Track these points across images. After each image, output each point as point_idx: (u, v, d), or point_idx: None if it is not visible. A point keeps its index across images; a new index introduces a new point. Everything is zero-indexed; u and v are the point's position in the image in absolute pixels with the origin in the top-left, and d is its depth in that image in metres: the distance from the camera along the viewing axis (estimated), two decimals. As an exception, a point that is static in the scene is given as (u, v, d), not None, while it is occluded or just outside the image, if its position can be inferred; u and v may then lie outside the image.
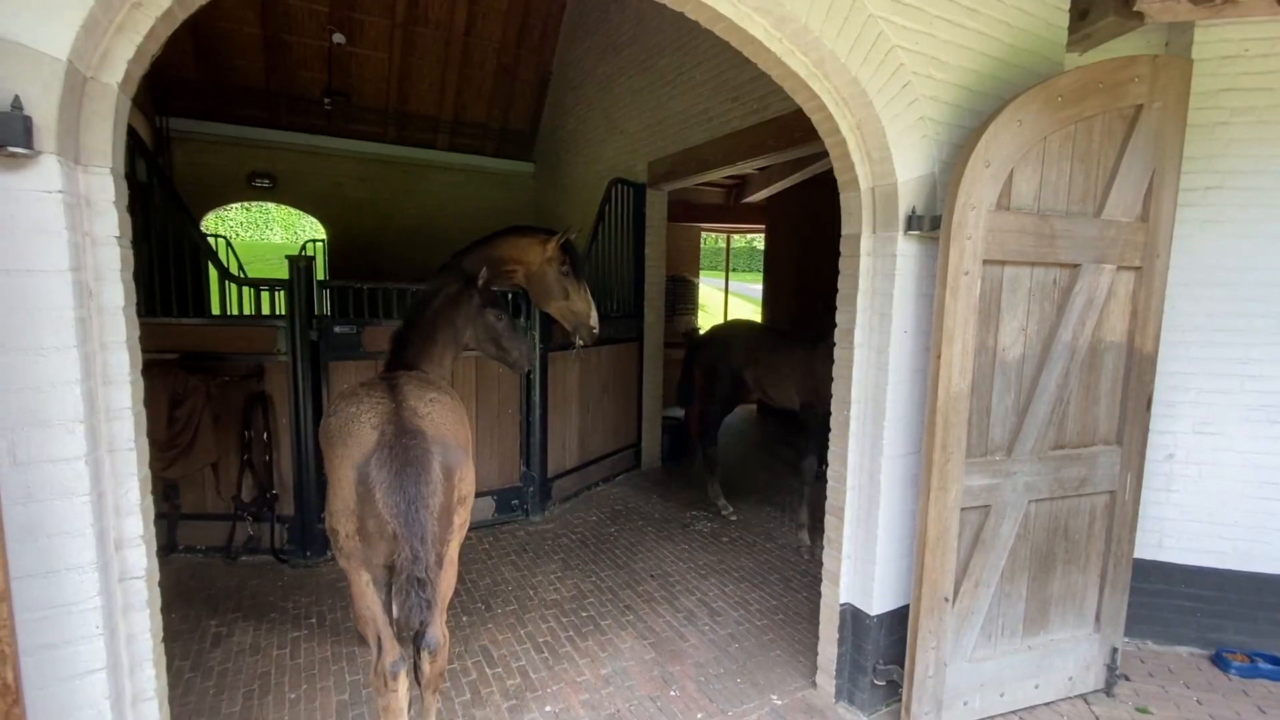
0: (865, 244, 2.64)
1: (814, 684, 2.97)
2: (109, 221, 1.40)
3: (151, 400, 3.76)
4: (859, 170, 2.57)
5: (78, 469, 1.34)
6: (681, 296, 10.62)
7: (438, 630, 2.10)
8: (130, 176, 4.03)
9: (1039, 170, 2.53)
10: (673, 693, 2.91)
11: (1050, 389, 2.67)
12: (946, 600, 2.63)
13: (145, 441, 1.55)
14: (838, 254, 2.78)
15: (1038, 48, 2.79)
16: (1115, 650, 2.95)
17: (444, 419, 2.25)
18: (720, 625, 3.49)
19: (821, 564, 3.78)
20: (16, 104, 1.19)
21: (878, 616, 2.74)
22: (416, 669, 2.14)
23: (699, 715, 2.77)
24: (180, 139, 7.30)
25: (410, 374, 2.52)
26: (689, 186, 6.88)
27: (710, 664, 3.14)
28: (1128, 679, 3.04)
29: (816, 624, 3.00)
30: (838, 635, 2.83)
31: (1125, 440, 2.84)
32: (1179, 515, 3.29)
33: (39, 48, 1.23)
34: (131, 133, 3.97)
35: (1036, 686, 2.87)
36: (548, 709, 2.78)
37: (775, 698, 2.90)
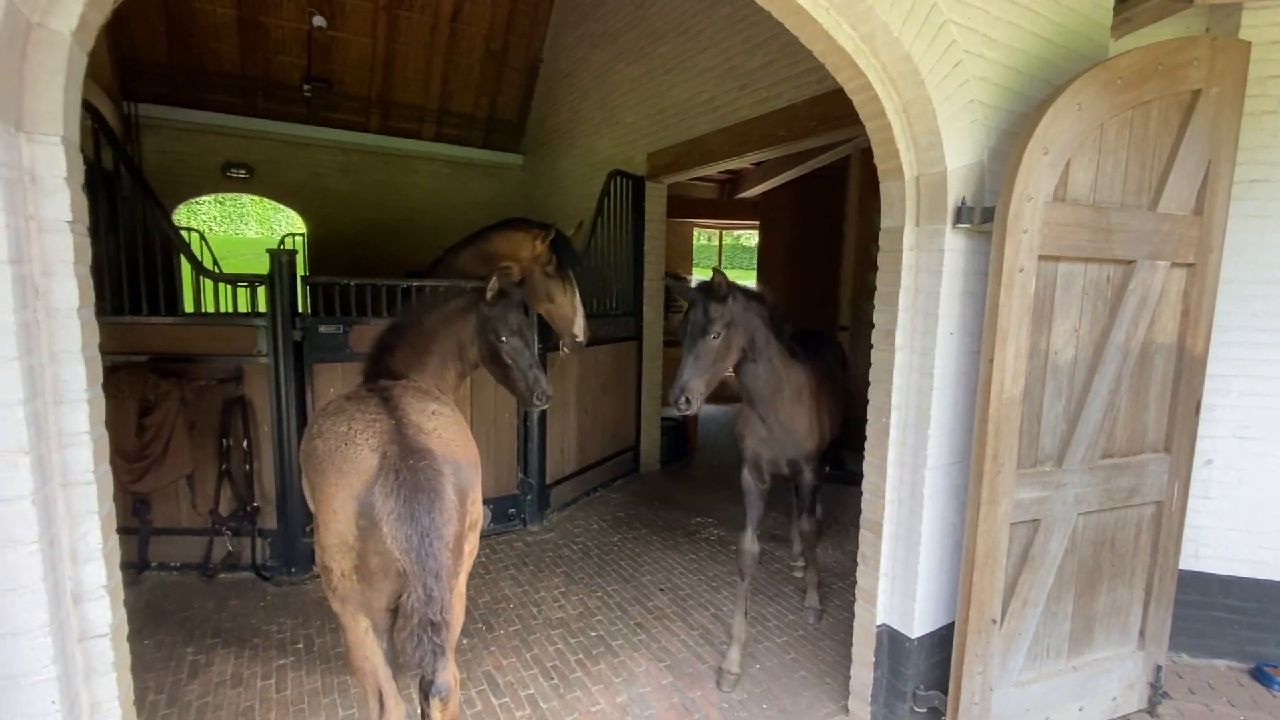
0: (908, 238, 2.44)
1: (846, 709, 2.78)
2: (59, 202, 1.14)
3: (119, 408, 3.49)
4: (904, 157, 2.37)
5: (23, 510, 1.07)
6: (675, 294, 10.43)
7: (449, 674, 1.85)
8: (96, 164, 3.70)
9: (1095, 159, 2.35)
10: (696, 722, 2.70)
11: (1102, 394, 2.50)
12: (994, 622, 2.45)
13: (108, 470, 1.29)
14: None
15: (1084, 29, 2.62)
16: (1159, 668, 2.81)
17: (451, 434, 2.00)
18: (739, 644, 3.28)
19: (811, 580, 3.49)
20: (-67, 49, 0.93)
21: (918, 639, 2.55)
22: (424, 717, 1.90)
23: (727, 748, 2.57)
24: (150, 126, 6.89)
25: (401, 384, 2.24)
26: (683, 181, 6.67)
27: (733, 690, 2.93)
28: (1169, 697, 2.90)
29: (840, 641, 2.82)
30: (873, 658, 2.65)
31: (1174, 447, 2.68)
32: (1217, 524, 3.16)
33: (-36, -21, 0.96)
34: (96, 115, 3.65)
35: (1080, 709, 2.71)
36: (563, 744, 2.55)
37: (806, 725, 2.71)
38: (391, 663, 1.81)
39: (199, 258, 4.58)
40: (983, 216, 2.33)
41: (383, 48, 7.51)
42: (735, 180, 9.87)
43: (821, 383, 3.18)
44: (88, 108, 3.55)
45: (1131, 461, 2.63)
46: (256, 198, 11.69)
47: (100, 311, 3.77)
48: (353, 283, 4.06)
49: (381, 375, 2.37)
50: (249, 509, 3.81)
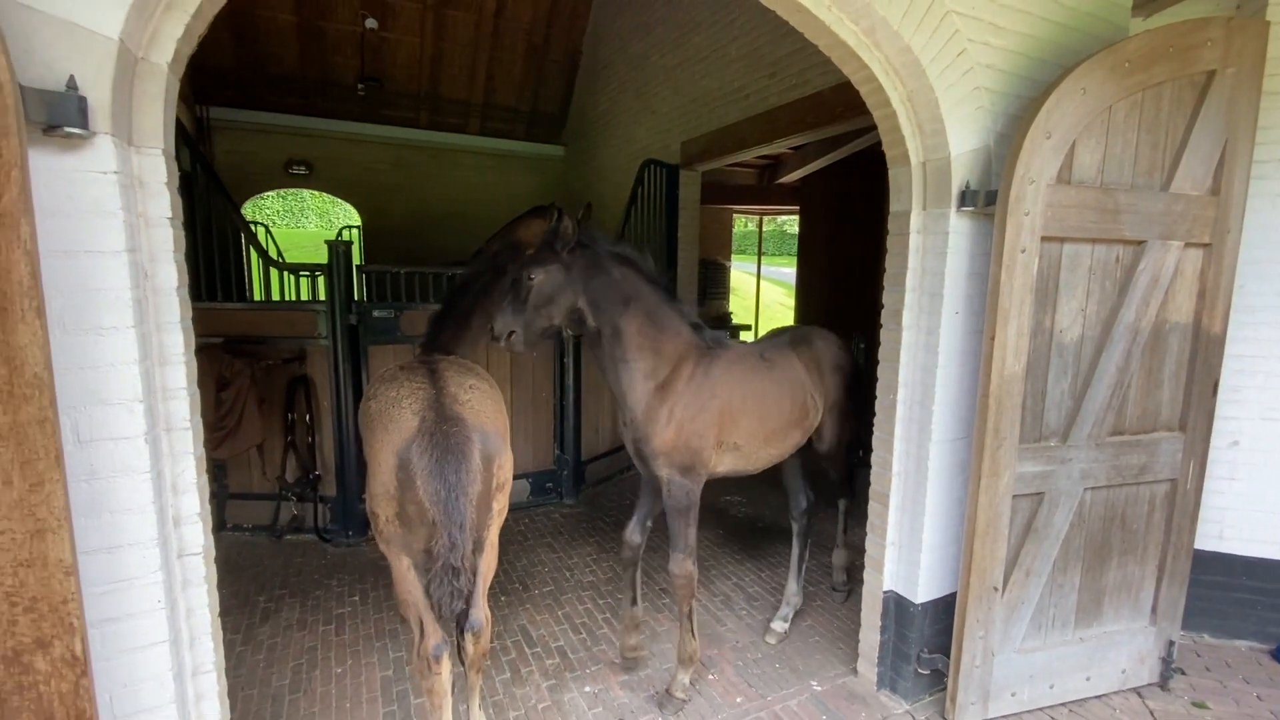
0: (915, 221, 2.54)
1: (855, 671, 2.93)
2: (162, 202, 1.41)
3: (199, 384, 3.92)
4: (909, 144, 2.47)
5: (138, 447, 1.36)
6: (713, 281, 10.53)
7: (480, 612, 2.11)
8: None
9: (1103, 141, 2.40)
10: (711, 676, 2.90)
11: (1110, 372, 2.55)
12: (995, 590, 2.56)
13: (200, 421, 1.58)
14: (874, 235, 2.69)
15: (1101, 11, 2.63)
16: (1172, 643, 2.84)
17: (483, 406, 2.24)
18: (757, 610, 3.47)
19: (838, 562, 3.50)
20: (71, 84, 1.19)
21: (922, 604, 2.68)
22: (460, 649, 2.16)
23: (739, 699, 2.76)
24: (220, 128, 7.44)
25: (449, 359, 2.50)
26: (721, 167, 6.77)
27: (748, 648, 3.12)
28: (1183, 673, 2.93)
29: (855, 611, 2.95)
30: (880, 623, 2.78)
31: (1189, 426, 2.70)
32: (1242, 505, 3.13)
33: (92, 26, 1.23)
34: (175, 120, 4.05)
35: (1088, 679, 2.78)
36: (587, 689, 2.79)
37: (815, 684, 2.87)
38: (429, 597, 2.06)
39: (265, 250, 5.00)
40: (986, 200, 2.42)
41: (430, 46, 7.85)
42: (775, 165, 9.85)
43: (735, 381, 2.72)
44: (170, 115, 3.97)
45: (1143, 439, 2.66)
46: (316, 192, 12.39)
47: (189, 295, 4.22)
48: (402, 271, 4.39)
49: (435, 350, 2.65)
50: (311, 477, 4.20)
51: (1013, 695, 2.68)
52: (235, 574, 3.77)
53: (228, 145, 7.51)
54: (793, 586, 3.32)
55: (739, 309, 13.62)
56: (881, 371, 2.73)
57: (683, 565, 2.68)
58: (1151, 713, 2.71)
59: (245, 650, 3.04)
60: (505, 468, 2.28)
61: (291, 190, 16.86)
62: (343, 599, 3.52)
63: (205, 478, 1.58)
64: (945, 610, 2.69)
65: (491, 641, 3.06)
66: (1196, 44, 2.40)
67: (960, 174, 2.41)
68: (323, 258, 4.11)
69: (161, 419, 1.45)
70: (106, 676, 1.37)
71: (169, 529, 1.46)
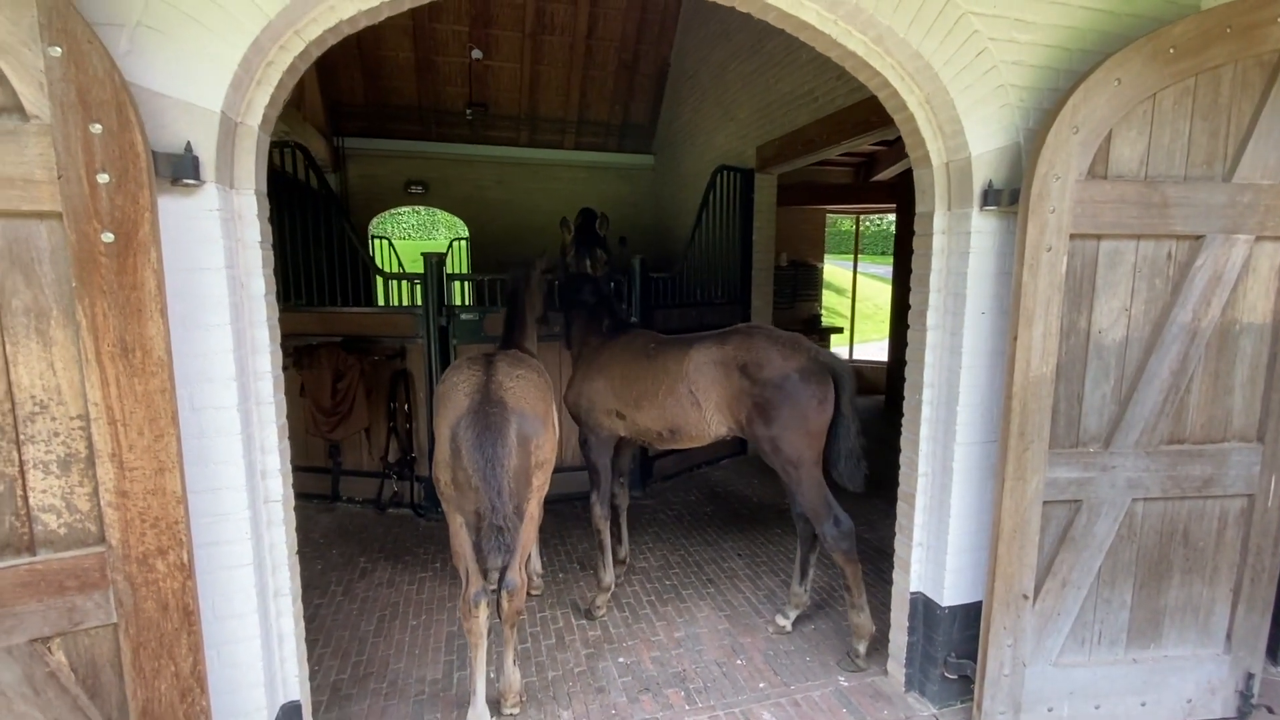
0: (939, 222, 2.55)
1: (885, 671, 2.94)
2: (254, 230, 1.85)
3: (320, 375, 4.63)
4: (930, 146, 2.49)
5: (232, 415, 1.80)
6: (803, 282, 10.37)
7: (516, 574, 2.43)
8: (305, 189, 4.89)
9: (1146, 132, 2.29)
10: (739, 661, 3.04)
11: (1161, 375, 2.41)
12: (1025, 597, 2.49)
13: (282, 397, 2.01)
14: None
15: (1159, -9, 2.49)
16: (1251, 676, 2.59)
17: (525, 393, 2.56)
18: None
19: (858, 624, 3.20)
20: (188, 148, 1.64)
21: (949, 608, 2.65)
22: (499, 605, 2.49)
23: (761, 685, 2.87)
24: (353, 155, 8.53)
25: (508, 352, 2.87)
26: (810, 167, 6.74)
27: (782, 640, 3.21)
28: (1271, 711, 2.65)
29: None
30: (908, 624, 2.78)
31: (1268, 437, 2.47)
32: (1360, 531, 2.76)
33: (202, 104, 1.67)
34: (306, 153, 4.82)
35: (1143, 704, 2.61)
36: (620, 660, 3.04)
37: (843, 679, 2.92)
38: (475, 551, 2.41)
39: (384, 261, 5.74)
40: (1011, 198, 2.38)
41: (529, 70, 8.50)
42: (870, 163, 9.57)
43: (613, 360, 3.33)
44: (298, 147, 4.73)
45: (1207, 449, 2.48)
46: (433, 208, 13.72)
47: (309, 303, 4.99)
48: (485, 278, 4.89)
49: (509, 345, 3.06)
50: (409, 459, 4.80)
51: (1049, 710, 2.58)
52: (345, 539, 4.42)
53: (359, 170, 8.59)
54: (795, 587, 3.30)
55: (836, 308, 13.25)
56: (908, 372, 2.74)
57: (592, 507, 3.45)
58: (1224, 748, 2.50)
59: (344, 600, 3.60)
60: (544, 447, 2.58)
61: (412, 206, 18.66)
62: (426, 564, 4.02)
63: (286, 443, 2.01)
64: (974, 615, 2.64)
65: (541, 610, 3.40)
66: (1262, 21, 2.23)
67: (982, 174, 2.40)
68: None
69: (252, 394, 1.89)
70: (210, 587, 1.82)
71: (257, 480, 1.90)
